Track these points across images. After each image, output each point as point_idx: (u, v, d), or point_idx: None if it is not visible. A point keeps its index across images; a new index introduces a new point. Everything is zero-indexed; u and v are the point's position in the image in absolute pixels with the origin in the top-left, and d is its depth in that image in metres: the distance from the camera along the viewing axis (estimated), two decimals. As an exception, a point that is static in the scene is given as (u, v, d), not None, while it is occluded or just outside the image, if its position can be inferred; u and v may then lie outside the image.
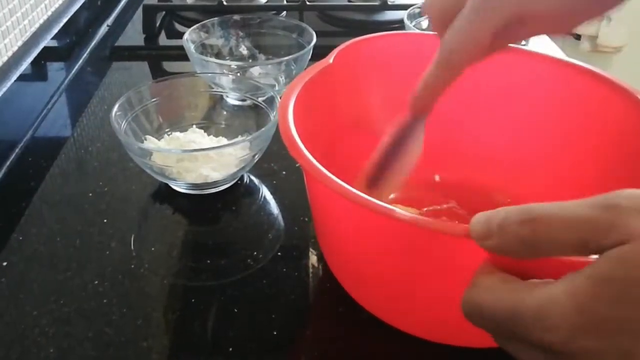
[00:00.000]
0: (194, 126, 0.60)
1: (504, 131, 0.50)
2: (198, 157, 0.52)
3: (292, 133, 0.37)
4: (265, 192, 0.56)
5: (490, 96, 0.50)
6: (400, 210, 0.31)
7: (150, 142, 0.56)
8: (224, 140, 0.57)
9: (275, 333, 0.42)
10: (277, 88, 0.69)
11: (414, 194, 0.50)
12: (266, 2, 0.94)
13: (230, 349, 0.41)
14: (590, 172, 0.45)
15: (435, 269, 0.34)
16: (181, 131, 0.59)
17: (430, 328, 0.39)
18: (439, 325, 0.38)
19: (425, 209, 0.49)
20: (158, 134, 0.58)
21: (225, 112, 0.62)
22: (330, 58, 0.46)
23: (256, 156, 0.54)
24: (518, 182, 0.50)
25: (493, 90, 0.50)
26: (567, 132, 0.48)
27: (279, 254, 0.49)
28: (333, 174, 0.33)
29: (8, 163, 0.59)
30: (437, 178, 0.52)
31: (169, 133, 0.58)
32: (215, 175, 0.53)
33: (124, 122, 0.55)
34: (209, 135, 0.58)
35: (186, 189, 0.54)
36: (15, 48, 0.68)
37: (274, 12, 0.88)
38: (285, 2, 0.93)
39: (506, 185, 0.50)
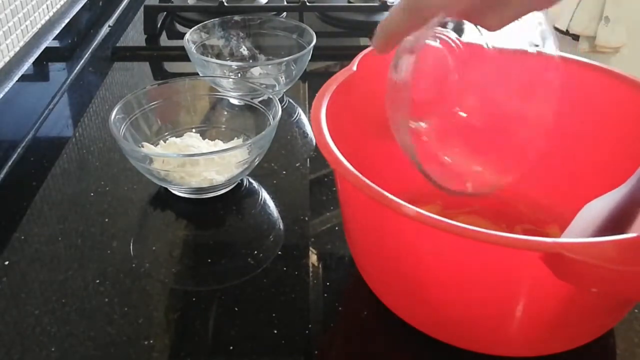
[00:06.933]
0: (193, 130, 0.60)
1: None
2: (200, 161, 0.53)
3: (336, 152, 0.37)
4: (265, 192, 0.56)
5: (516, 102, 0.50)
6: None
7: (147, 149, 0.56)
8: (220, 143, 0.57)
9: (275, 332, 0.42)
10: (277, 88, 0.70)
11: (444, 199, 0.51)
12: (266, 2, 0.94)
13: (231, 348, 0.41)
14: (618, 175, 0.45)
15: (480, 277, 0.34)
16: (177, 136, 0.58)
17: (454, 332, 0.40)
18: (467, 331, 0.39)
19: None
20: (155, 139, 0.58)
21: (225, 113, 0.62)
22: (354, 65, 0.46)
23: (257, 158, 0.55)
24: (545, 187, 0.50)
25: (519, 96, 0.50)
26: (593, 135, 0.48)
27: (280, 253, 0.49)
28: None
29: (10, 163, 0.59)
30: (468, 184, 0.53)
31: (166, 139, 0.58)
32: (219, 178, 0.53)
33: (122, 126, 0.55)
34: (204, 139, 0.58)
35: (188, 193, 0.55)
36: (17, 48, 0.68)
37: (274, 12, 0.89)
38: (285, 3, 0.93)
39: (533, 191, 0.51)
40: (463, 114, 0.48)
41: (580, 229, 0.40)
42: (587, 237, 0.40)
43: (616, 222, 0.39)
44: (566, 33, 2.05)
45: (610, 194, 0.39)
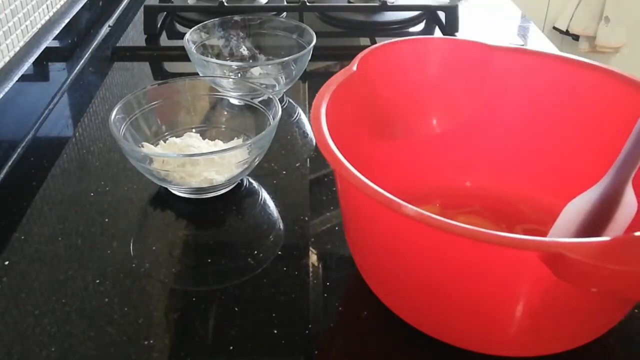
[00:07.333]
0: (193, 130, 0.60)
1: (531, 136, 0.51)
2: (200, 161, 0.53)
3: (336, 152, 0.37)
4: (265, 192, 0.56)
5: (518, 102, 0.51)
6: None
7: (147, 149, 0.56)
8: (220, 143, 0.57)
9: (275, 332, 0.42)
10: (277, 88, 0.70)
11: (444, 199, 0.51)
12: (266, 2, 0.94)
13: (231, 348, 0.41)
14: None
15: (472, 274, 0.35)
16: (177, 136, 0.59)
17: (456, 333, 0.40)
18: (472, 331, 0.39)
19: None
20: (155, 139, 0.58)
21: (225, 113, 0.62)
22: (354, 65, 0.46)
23: (257, 158, 0.55)
24: (545, 187, 0.50)
25: (520, 95, 0.50)
26: (593, 135, 0.48)
27: (280, 253, 0.49)
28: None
29: (10, 163, 0.59)
30: (467, 184, 0.53)
31: (166, 139, 0.58)
32: (219, 178, 0.53)
33: (122, 126, 0.55)
34: (204, 139, 0.58)
35: (188, 193, 0.55)
36: (17, 48, 0.68)
37: (274, 12, 0.89)
38: (285, 3, 0.94)
39: (533, 191, 0.51)
40: None
41: (565, 227, 0.41)
42: (572, 234, 0.40)
43: (597, 217, 0.39)
44: (566, 33, 2.05)
45: (590, 190, 0.40)
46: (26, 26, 0.71)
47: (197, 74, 0.69)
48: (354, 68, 0.46)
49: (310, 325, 0.42)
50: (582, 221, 0.40)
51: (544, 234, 0.48)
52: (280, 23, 0.77)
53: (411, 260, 0.37)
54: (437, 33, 0.90)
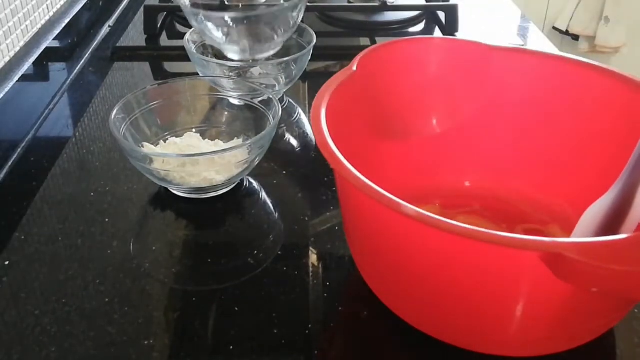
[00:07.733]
0: (194, 130, 0.60)
1: (531, 136, 0.51)
2: (200, 161, 0.53)
3: (336, 152, 0.37)
4: (264, 192, 0.56)
5: (517, 102, 0.51)
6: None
7: (147, 149, 0.56)
8: (220, 144, 0.57)
9: (275, 332, 0.42)
10: (277, 88, 0.70)
11: (444, 199, 0.51)
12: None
13: (231, 348, 0.41)
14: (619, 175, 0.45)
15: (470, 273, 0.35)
16: (177, 136, 0.59)
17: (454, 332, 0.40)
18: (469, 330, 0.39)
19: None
20: (155, 139, 0.58)
21: (225, 113, 0.62)
22: (354, 65, 0.46)
23: (257, 158, 0.55)
24: (545, 187, 0.50)
25: (520, 95, 0.51)
26: (592, 135, 0.48)
27: (280, 253, 0.49)
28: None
29: (10, 163, 0.59)
30: (467, 184, 0.53)
31: (166, 139, 0.58)
32: (219, 178, 0.53)
33: (122, 126, 0.55)
34: (204, 139, 0.59)
35: (188, 193, 0.55)
36: (17, 48, 0.68)
37: (275, 12, 0.89)
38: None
39: (533, 191, 0.51)
40: None
41: (582, 235, 0.41)
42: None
43: (610, 223, 0.39)
44: (566, 33, 2.06)
45: (604, 197, 0.40)
46: (26, 26, 0.71)
47: (197, 74, 0.69)
48: (354, 68, 0.46)
49: (310, 325, 0.42)
50: (597, 228, 0.40)
51: (545, 234, 0.48)
52: (280, 23, 0.77)
53: (411, 260, 0.37)
54: (437, 33, 0.90)
